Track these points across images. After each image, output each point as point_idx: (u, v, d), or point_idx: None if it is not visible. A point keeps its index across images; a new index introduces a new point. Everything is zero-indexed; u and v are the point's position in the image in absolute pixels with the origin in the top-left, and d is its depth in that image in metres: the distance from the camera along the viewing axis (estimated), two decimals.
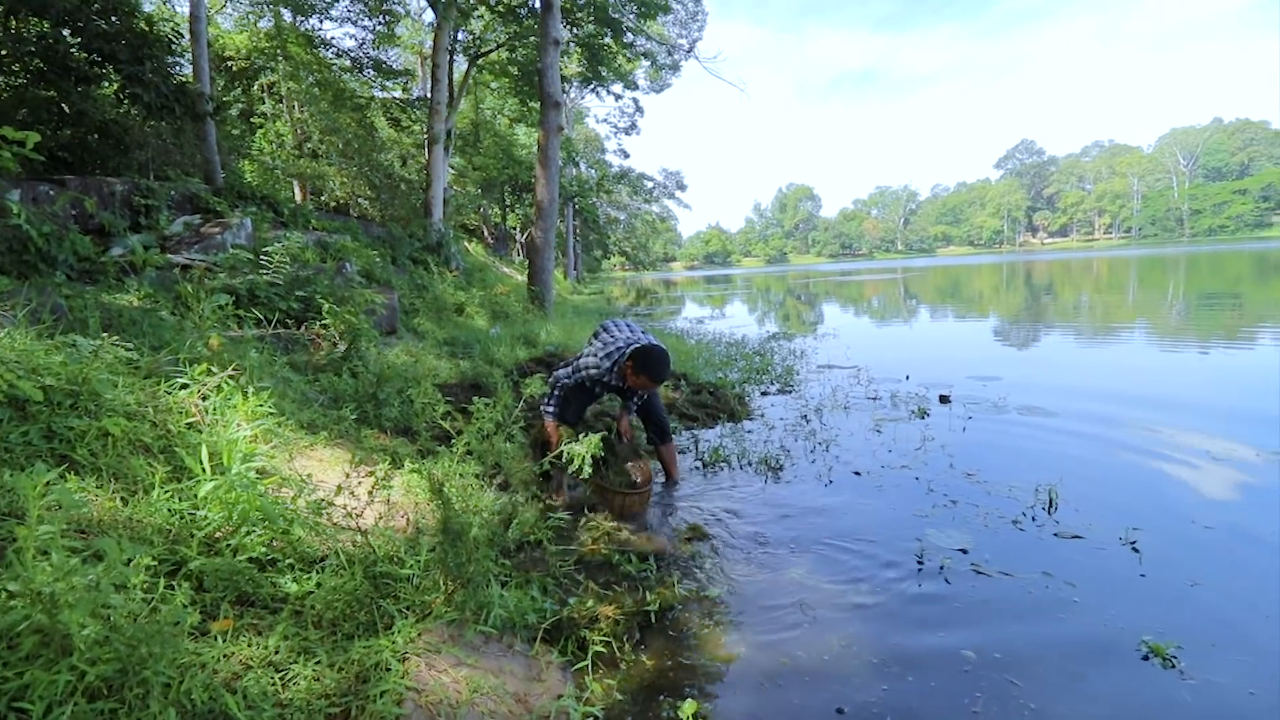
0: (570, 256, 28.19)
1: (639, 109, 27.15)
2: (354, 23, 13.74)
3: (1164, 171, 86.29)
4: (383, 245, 10.49)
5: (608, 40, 13.83)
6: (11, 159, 2.99)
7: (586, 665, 2.00)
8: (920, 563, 2.67)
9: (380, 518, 2.28)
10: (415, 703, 1.60)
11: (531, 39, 13.74)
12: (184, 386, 2.60)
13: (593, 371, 3.11)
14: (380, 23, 13.59)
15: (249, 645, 1.60)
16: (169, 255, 5.36)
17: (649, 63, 16.50)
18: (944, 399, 5.47)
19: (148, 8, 10.60)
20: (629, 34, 13.77)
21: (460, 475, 2.22)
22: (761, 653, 2.13)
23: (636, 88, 18.95)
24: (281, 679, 1.56)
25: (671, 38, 18.27)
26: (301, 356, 4.70)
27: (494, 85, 18.27)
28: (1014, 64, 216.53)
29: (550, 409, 3.21)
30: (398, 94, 16.42)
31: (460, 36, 14.24)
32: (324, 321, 5.03)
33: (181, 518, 1.94)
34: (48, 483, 1.45)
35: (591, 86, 17.19)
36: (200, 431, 2.38)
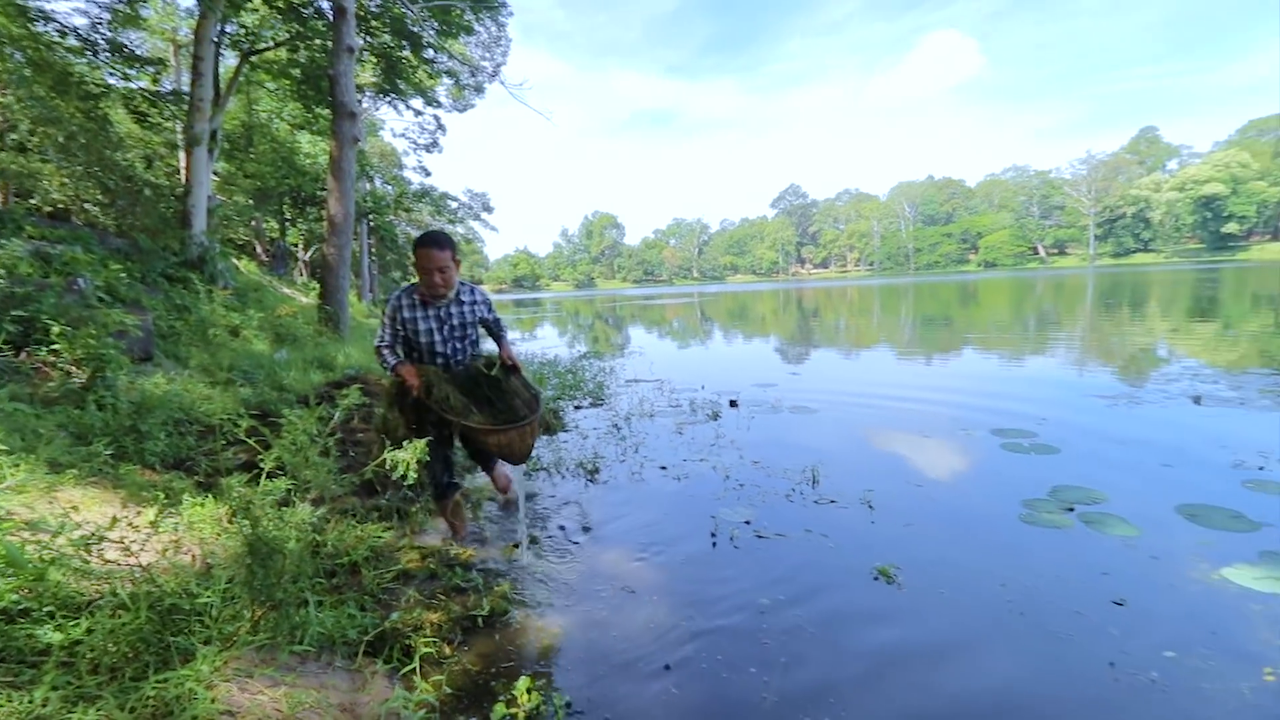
0: (365, 278, 26.16)
1: (441, 126, 26.28)
2: None
3: (895, 216, 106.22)
4: (126, 259, 8.87)
5: (406, 53, 13.34)
6: None
7: (415, 668, 2.01)
8: (714, 535, 3.12)
9: (165, 550, 2.05)
10: None
11: (317, 41, 12.73)
12: None
13: (390, 305, 2.91)
14: (120, 1, 11.53)
15: (8, 700, 1.39)
16: None
17: (451, 80, 16.21)
18: (733, 404, 6.25)
19: None
20: (430, 50, 13.44)
21: (265, 495, 2.08)
22: (588, 631, 2.33)
23: (439, 105, 18.43)
24: None
25: (475, 59, 18.14)
26: (25, 387, 3.88)
27: (271, 86, 16.44)
28: (783, 118, 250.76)
29: (390, 361, 2.89)
30: (144, 84, 13.98)
31: (229, 29, 12.67)
32: (54, 346, 4.20)
33: None
34: None
35: (389, 99, 16.38)
36: None
